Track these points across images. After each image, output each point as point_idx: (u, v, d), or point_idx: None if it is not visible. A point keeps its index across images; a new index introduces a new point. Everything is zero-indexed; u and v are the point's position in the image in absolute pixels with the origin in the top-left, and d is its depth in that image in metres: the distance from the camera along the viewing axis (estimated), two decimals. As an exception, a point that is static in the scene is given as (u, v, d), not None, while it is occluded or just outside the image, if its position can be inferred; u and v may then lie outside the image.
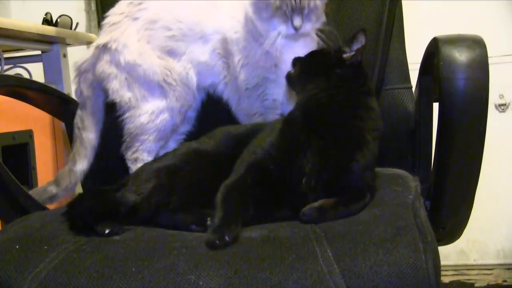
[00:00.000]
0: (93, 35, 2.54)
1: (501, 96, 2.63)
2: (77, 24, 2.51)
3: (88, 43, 2.59)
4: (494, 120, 2.63)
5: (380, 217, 1.02)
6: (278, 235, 0.99)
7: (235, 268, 0.90)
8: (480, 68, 1.09)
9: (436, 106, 1.27)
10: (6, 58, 2.18)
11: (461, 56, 1.10)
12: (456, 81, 1.08)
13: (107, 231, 1.06)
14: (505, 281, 2.52)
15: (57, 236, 1.07)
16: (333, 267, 0.88)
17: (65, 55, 2.30)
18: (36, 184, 1.95)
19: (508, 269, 2.63)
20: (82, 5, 2.98)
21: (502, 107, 2.64)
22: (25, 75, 2.30)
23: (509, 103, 2.64)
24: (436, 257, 0.91)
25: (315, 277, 0.88)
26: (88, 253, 1.00)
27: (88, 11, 2.96)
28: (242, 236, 1.00)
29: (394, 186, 1.17)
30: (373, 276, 0.88)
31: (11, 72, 2.30)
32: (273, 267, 0.90)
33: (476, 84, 1.09)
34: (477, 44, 1.12)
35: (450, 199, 1.18)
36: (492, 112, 2.63)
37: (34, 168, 1.90)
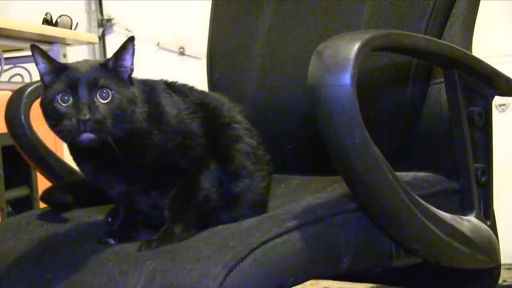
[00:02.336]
0: (93, 35, 2.55)
1: (501, 96, 2.63)
2: (77, 24, 2.51)
3: (88, 43, 2.59)
4: (494, 120, 2.62)
5: (237, 232, 0.88)
6: (128, 249, 0.92)
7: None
8: (343, 74, 0.79)
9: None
10: (6, 58, 2.18)
11: (327, 58, 0.80)
12: (318, 88, 0.80)
13: None
14: (505, 281, 2.52)
15: (20, 228, 1.09)
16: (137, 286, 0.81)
17: (65, 55, 2.30)
18: (36, 184, 1.95)
19: (508, 269, 2.62)
20: (82, 5, 2.97)
21: (502, 107, 2.64)
22: (25, 75, 2.30)
23: (509, 103, 2.63)
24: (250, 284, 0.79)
25: None
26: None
27: (88, 11, 2.95)
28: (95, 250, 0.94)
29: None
30: None
31: (11, 72, 2.30)
32: (93, 283, 0.85)
33: (337, 92, 0.79)
34: (351, 44, 0.81)
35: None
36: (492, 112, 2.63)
37: (34, 168, 1.89)
